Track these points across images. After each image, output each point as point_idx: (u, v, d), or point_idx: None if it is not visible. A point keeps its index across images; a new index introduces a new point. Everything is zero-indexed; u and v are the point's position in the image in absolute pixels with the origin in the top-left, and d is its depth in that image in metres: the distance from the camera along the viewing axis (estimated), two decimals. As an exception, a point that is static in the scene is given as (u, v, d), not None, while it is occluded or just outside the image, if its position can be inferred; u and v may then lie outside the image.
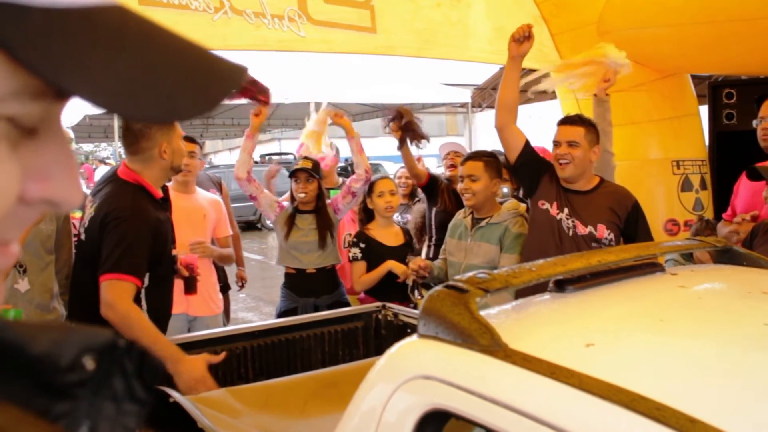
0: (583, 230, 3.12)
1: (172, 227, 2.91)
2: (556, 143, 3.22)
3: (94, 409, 0.44)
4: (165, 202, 2.89)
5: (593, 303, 1.44)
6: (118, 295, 2.51)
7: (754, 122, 3.46)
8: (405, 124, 4.32)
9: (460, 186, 3.53)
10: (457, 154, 4.60)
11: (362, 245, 3.96)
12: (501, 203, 3.57)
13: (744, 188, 3.54)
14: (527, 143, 3.36)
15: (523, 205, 3.62)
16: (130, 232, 2.59)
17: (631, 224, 3.10)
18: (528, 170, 3.38)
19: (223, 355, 2.73)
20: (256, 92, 3.73)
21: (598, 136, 3.21)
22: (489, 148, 6.83)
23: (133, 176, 2.74)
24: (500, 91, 3.41)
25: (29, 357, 0.42)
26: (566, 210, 3.18)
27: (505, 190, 4.20)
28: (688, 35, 4.53)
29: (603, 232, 3.10)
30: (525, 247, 3.34)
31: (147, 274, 2.71)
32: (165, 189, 2.94)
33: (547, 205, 3.24)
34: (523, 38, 3.32)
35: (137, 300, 2.68)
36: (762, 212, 3.24)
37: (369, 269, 3.93)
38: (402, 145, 4.37)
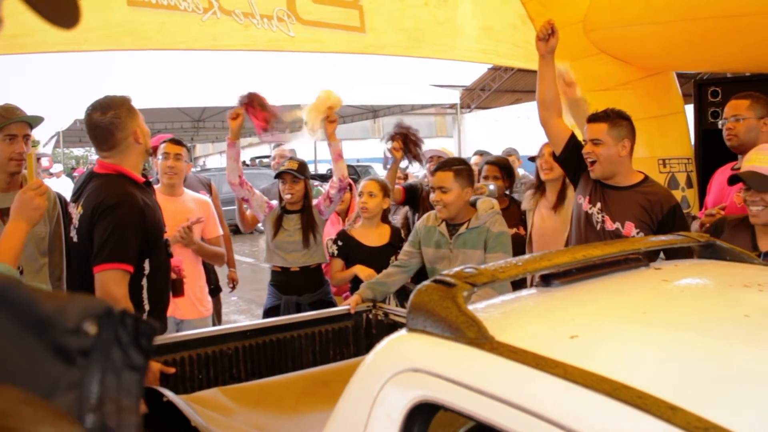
0: (611, 226, 3.09)
1: (161, 211, 2.93)
2: (584, 142, 3.20)
3: (100, 380, 0.47)
4: (148, 186, 2.90)
5: (578, 296, 1.46)
6: (115, 285, 2.52)
7: (720, 122, 3.52)
8: (407, 143, 4.40)
9: (432, 197, 3.48)
10: (440, 158, 4.63)
11: (340, 243, 4.04)
12: (473, 203, 3.52)
13: (715, 185, 3.61)
14: (571, 138, 3.32)
15: (496, 202, 3.60)
16: (122, 218, 2.60)
17: (665, 228, 2.94)
18: (571, 164, 3.35)
19: (173, 369, 2.77)
20: (265, 115, 3.79)
21: (628, 128, 3.13)
22: (478, 149, 6.87)
23: (112, 167, 2.75)
24: (538, 89, 3.38)
25: (40, 316, 0.45)
26: (599, 204, 3.15)
27: (492, 187, 4.20)
28: (672, 32, 4.57)
29: (630, 230, 3.04)
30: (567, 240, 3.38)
31: (147, 261, 2.73)
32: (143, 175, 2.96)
33: (582, 200, 3.24)
34: (547, 35, 3.30)
35: (139, 288, 2.69)
36: (728, 204, 3.28)
37: (348, 266, 4.00)
38: (396, 164, 4.47)
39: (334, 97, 3.98)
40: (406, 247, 3.67)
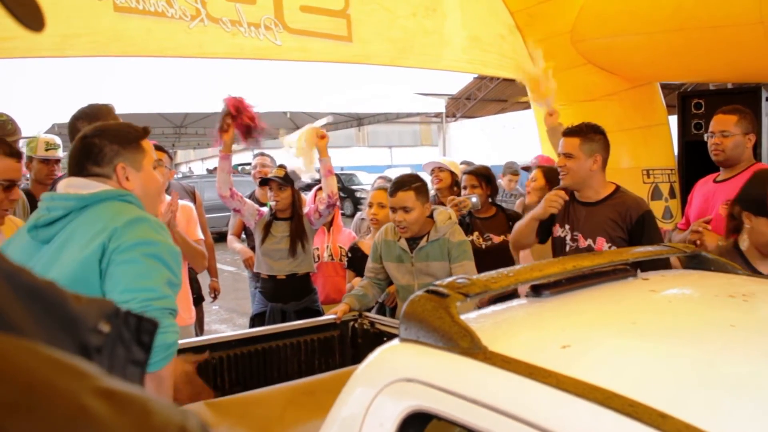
0: (583, 243, 3.10)
1: None
2: (559, 155, 3.23)
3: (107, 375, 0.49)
4: None
5: (569, 307, 1.47)
6: None
7: (706, 136, 3.57)
8: None
9: (392, 217, 3.38)
10: (440, 170, 4.78)
11: (349, 254, 4.14)
12: (430, 214, 3.44)
13: (696, 197, 3.63)
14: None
15: (453, 211, 3.57)
16: None
17: (635, 237, 2.96)
18: (544, 235, 3.35)
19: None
20: (247, 119, 3.78)
21: (600, 143, 3.14)
22: (463, 158, 6.89)
23: None
24: (516, 235, 3.42)
25: (70, 315, 0.49)
26: (567, 226, 3.17)
27: (474, 200, 4.17)
28: (657, 43, 4.63)
29: (602, 245, 3.03)
30: None
31: None
32: None
33: (557, 227, 3.26)
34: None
35: None
36: (714, 216, 3.31)
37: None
38: None
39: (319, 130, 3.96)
40: (369, 263, 3.58)
